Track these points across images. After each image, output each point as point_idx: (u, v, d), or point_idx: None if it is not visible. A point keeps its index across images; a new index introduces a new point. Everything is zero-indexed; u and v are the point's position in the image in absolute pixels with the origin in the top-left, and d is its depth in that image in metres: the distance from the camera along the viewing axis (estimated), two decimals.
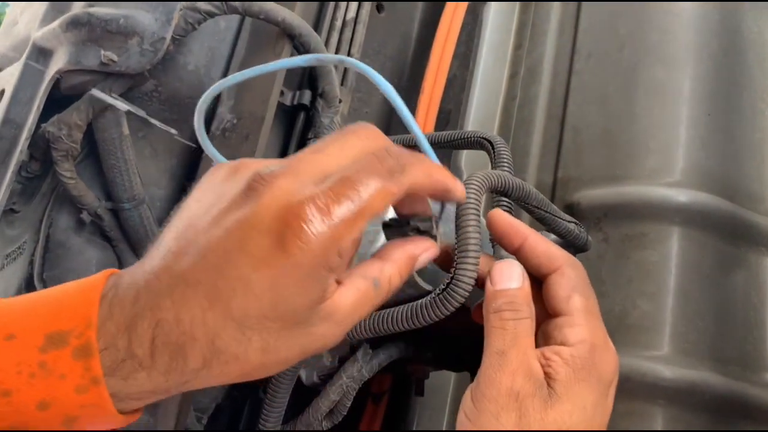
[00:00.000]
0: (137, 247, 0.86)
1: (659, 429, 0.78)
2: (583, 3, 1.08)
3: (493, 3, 1.14)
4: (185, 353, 0.39)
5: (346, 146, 0.44)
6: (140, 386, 0.40)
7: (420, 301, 0.57)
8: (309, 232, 0.38)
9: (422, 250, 0.50)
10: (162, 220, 0.87)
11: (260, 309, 0.39)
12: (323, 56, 0.47)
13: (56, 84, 0.79)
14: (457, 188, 0.51)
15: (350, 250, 0.42)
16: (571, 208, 0.91)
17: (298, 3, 0.84)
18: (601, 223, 0.89)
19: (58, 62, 0.77)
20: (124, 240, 0.86)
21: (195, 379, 0.40)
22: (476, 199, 0.58)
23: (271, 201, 0.38)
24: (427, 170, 0.46)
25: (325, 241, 0.38)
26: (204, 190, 0.43)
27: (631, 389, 0.80)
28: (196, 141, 0.88)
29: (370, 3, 1.01)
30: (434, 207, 0.55)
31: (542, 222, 0.69)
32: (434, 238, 0.53)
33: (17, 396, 0.39)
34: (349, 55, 0.96)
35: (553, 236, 0.73)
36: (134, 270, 0.41)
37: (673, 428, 0.78)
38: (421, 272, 0.60)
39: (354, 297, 0.43)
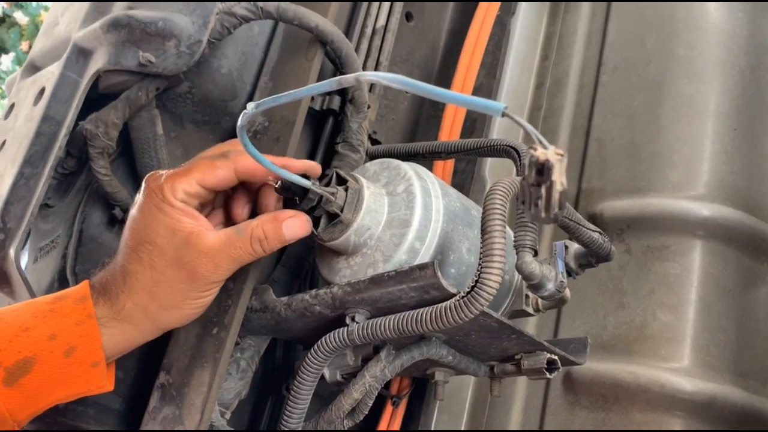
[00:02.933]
0: None
1: None
2: (611, 17, 1.09)
3: (520, 15, 1.16)
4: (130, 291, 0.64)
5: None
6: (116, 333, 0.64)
7: (444, 303, 0.59)
8: (152, 185, 0.63)
9: (287, 216, 0.65)
10: None
11: (140, 234, 0.64)
12: (343, 78, 0.51)
13: (94, 83, 0.81)
14: (295, 167, 0.67)
15: (182, 195, 0.63)
16: (593, 219, 0.92)
17: (331, 9, 0.86)
18: (624, 235, 0.90)
19: (98, 62, 0.80)
20: None
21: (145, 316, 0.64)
22: (502, 205, 0.59)
23: (150, 177, 0.66)
24: (246, 161, 0.65)
25: (159, 188, 0.63)
26: None
27: (649, 400, 0.81)
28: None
29: (399, 12, 1.02)
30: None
31: (566, 230, 0.70)
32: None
33: (34, 330, 0.60)
34: (378, 62, 0.98)
35: (576, 245, 0.74)
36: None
37: None
38: (446, 276, 0.61)
39: (218, 237, 0.63)
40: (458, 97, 0.43)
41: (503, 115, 0.40)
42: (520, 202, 0.40)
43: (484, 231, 0.58)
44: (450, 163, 1.00)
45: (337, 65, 0.86)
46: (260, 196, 0.70)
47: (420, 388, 0.93)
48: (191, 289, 0.64)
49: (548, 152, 0.37)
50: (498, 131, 1.04)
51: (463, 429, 0.97)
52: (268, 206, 0.68)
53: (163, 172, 0.65)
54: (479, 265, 0.57)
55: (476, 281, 0.56)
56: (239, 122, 0.56)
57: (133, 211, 0.65)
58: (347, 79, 0.49)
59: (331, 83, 0.51)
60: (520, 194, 0.39)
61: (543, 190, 0.37)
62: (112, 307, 0.63)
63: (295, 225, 0.65)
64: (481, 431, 0.94)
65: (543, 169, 0.37)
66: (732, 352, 0.82)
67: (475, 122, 1.03)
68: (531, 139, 0.38)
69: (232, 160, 0.65)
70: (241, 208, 0.70)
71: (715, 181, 0.88)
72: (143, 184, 0.66)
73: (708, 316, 0.83)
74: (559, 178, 0.36)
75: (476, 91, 1.05)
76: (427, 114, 1.10)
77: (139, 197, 0.65)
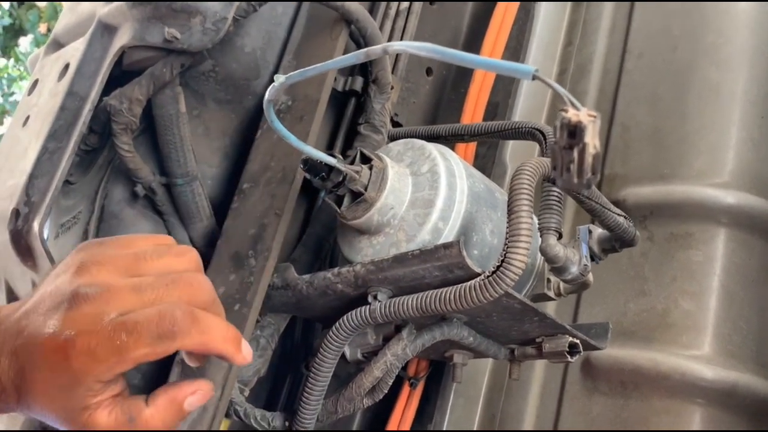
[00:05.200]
0: (187, 223, 0.88)
1: (696, 428, 0.78)
2: (637, 3, 1.08)
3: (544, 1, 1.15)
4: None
5: (156, 284, 0.54)
6: None
7: (469, 282, 0.58)
8: (74, 361, 0.50)
9: (187, 395, 0.57)
10: (212, 198, 0.89)
11: (35, 387, 0.52)
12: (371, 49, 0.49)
13: (118, 59, 0.81)
14: (236, 357, 0.56)
15: (109, 378, 0.52)
16: (616, 206, 0.90)
17: None
18: (647, 221, 0.89)
19: (123, 38, 0.80)
20: (175, 214, 0.88)
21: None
22: (529, 185, 0.58)
23: (69, 322, 0.51)
24: (200, 341, 0.53)
25: (84, 371, 0.50)
26: (55, 275, 0.55)
27: (669, 387, 0.80)
28: (249, 121, 0.90)
29: None
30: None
31: (592, 213, 0.70)
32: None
33: None
34: None
35: (600, 230, 0.73)
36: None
37: (711, 428, 0.78)
38: (470, 254, 0.61)
39: (108, 422, 0.53)
40: (486, 61, 0.42)
41: (534, 78, 0.39)
42: (551, 168, 0.39)
43: (510, 210, 0.57)
44: (471, 147, 1.00)
45: (361, 45, 0.86)
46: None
47: (437, 372, 0.93)
48: None
49: (580, 113, 0.36)
50: (520, 115, 1.03)
51: (478, 414, 0.96)
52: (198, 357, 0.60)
53: (94, 328, 0.51)
54: (505, 244, 0.56)
55: (502, 261, 0.56)
56: (267, 96, 0.56)
57: (37, 357, 0.52)
58: (375, 51, 0.48)
59: (358, 55, 0.50)
60: (552, 159, 0.38)
61: (575, 154, 0.36)
62: None
63: (197, 401, 0.57)
64: (493, 431, 0.94)
65: (575, 131, 0.36)
66: (754, 341, 0.82)
67: (497, 106, 1.03)
68: (563, 101, 0.37)
69: (177, 344, 0.52)
70: (193, 360, 0.61)
71: (741, 169, 0.87)
72: (65, 313, 0.52)
73: (730, 305, 0.82)
74: (592, 141, 0.35)
75: (499, 76, 1.05)
76: (449, 98, 1.10)
77: (53, 327, 0.51)
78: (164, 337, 0.51)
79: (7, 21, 4.89)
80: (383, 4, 0.96)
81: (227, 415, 0.73)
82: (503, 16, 1.02)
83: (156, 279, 0.54)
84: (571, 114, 0.36)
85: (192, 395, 0.57)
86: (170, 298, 0.53)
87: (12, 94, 4.99)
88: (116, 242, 0.57)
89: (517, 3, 1.08)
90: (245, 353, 0.56)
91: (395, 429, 0.90)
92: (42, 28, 4.67)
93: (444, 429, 0.92)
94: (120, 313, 0.51)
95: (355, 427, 0.97)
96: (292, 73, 0.53)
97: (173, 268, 0.56)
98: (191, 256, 0.58)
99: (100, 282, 0.53)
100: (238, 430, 0.89)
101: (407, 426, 0.90)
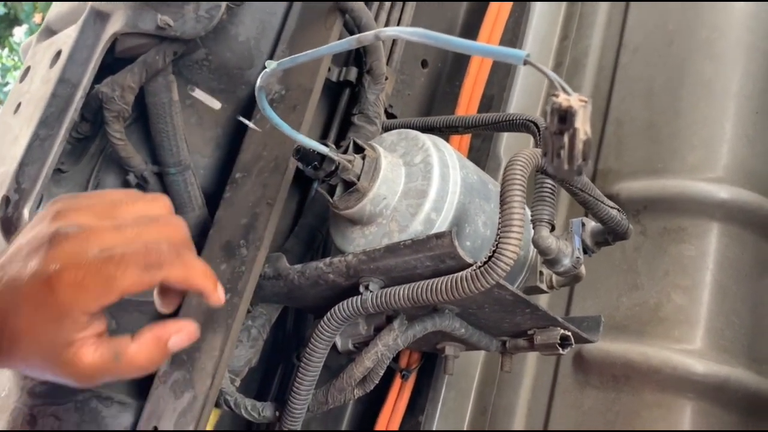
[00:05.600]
0: (179, 212, 0.87)
1: (687, 422, 0.78)
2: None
3: None
4: None
5: (134, 223, 0.55)
6: None
7: (460, 273, 0.58)
8: (62, 293, 0.50)
9: (172, 333, 0.57)
10: (205, 188, 0.89)
11: (20, 330, 0.51)
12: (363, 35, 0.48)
13: (111, 47, 0.80)
14: (213, 295, 0.58)
15: (96, 309, 0.52)
16: (610, 200, 0.91)
17: None
18: (640, 216, 0.89)
19: (115, 25, 0.79)
20: None
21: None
22: (522, 176, 0.58)
23: (52, 258, 0.51)
24: (184, 274, 0.55)
25: (72, 301, 0.50)
26: (31, 227, 0.55)
27: (660, 381, 0.80)
28: (242, 111, 0.90)
29: None
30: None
31: (585, 206, 0.69)
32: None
33: None
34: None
35: (593, 223, 0.73)
36: None
37: (702, 422, 0.78)
38: (462, 245, 0.61)
39: (94, 359, 0.53)
40: (478, 46, 0.42)
41: (525, 63, 0.39)
42: (542, 155, 0.39)
43: (503, 201, 0.57)
44: (466, 140, 1.00)
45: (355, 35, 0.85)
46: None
47: (429, 364, 0.92)
48: (55, 378, 0.55)
49: (571, 98, 0.35)
50: (515, 108, 1.03)
51: (470, 406, 0.96)
52: (173, 298, 0.60)
53: (80, 261, 0.51)
54: (497, 235, 0.56)
55: (493, 251, 0.56)
56: (258, 82, 0.55)
57: (20, 299, 0.51)
58: (367, 37, 0.48)
59: (350, 41, 0.50)
60: (542, 145, 0.37)
61: (566, 139, 0.35)
62: None
63: (181, 340, 0.57)
64: (485, 431, 0.94)
65: (566, 116, 0.35)
66: (746, 336, 0.82)
67: (492, 99, 1.02)
68: (554, 87, 0.37)
69: (164, 273, 0.54)
70: (174, 295, 0.60)
71: (734, 164, 0.87)
72: (46, 252, 0.52)
73: (723, 299, 0.82)
74: (583, 126, 0.35)
75: (494, 68, 1.04)
76: (444, 90, 1.09)
77: (34, 267, 0.51)
78: (151, 267, 0.53)
79: (1, 10, 4.86)
80: None
81: (217, 405, 0.73)
82: (498, 10, 1.02)
83: (134, 220, 0.55)
84: (562, 99, 0.35)
85: (177, 333, 0.57)
86: (150, 236, 0.55)
87: (6, 84, 4.96)
88: (89, 194, 0.59)
89: (510, 3, 1.08)
90: (220, 294, 0.58)
91: (387, 420, 0.90)
92: (37, 18, 4.65)
93: (435, 420, 0.92)
94: (103, 249, 0.52)
95: (346, 418, 0.96)
96: (283, 59, 0.53)
97: (148, 212, 0.57)
98: (164, 202, 0.59)
99: (79, 223, 0.53)
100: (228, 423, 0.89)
101: (399, 417, 0.90)
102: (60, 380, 0.54)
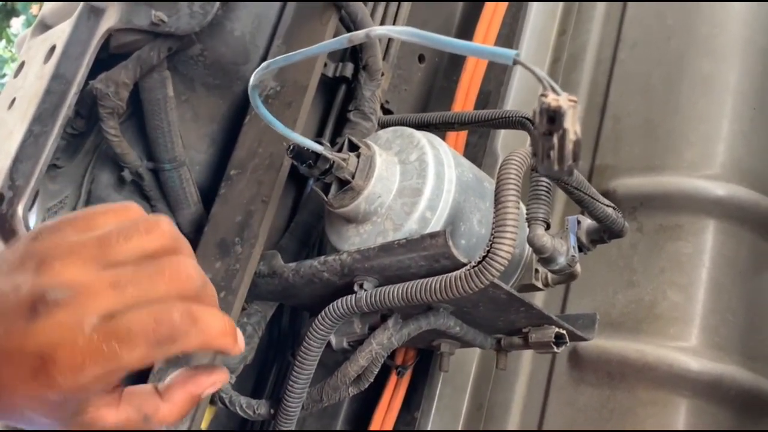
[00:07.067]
0: (174, 208, 0.87)
1: (681, 419, 0.78)
2: None
3: None
4: None
5: (135, 279, 0.46)
6: None
7: (454, 273, 0.58)
8: (61, 381, 0.43)
9: (206, 387, 0.51)
10: (200, 184, 0.88)
11: (22, 404, 0.44)
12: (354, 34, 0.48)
13: (105, 43, 0.80)
14: (234, 349, 0.50)
15: (103, 388, 0.45)
16: (606, 196, 0.90)
17: None
18: (636, 212, 0.89)
19: (109, 20, 0.78)
20: (163, 200, 0.87)
21: None
22: (516, 176, 0.58)
23: (41, 334, 0.43)
24: (201, 341, 0.46)
25: (73, 388, 0.43)
26: (7, 272, 0.46)
27: (655, 378, 0.80)
28: (238, 107, 0.89)
29: None
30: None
31: (580, 204, 0.69)
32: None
33: None
34: None
35: (589, 221, 0.73)
36: None
37: (696, 420, 0.78)
38: (456, 247, 0.61)
39: (119, 419, 0.47)
40: (468, 45, 0.41)
41: (514, 62, 0.38)
42: (531, 156, 0.38)
43: (497, 201, 0.57)
44: (462, 136, 0.99)
45: (351, 30, 0.85)
46: None
47: (424, 361, 0.92)
48: None
49: (560, 98, 0.35)
50: (512, 104, 1.02)
51: (465, 403, 0.96)
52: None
53: (76, 341, 0.43)
54: (491, 234, 0.56)
55: (488, 251, 0.56)
56: (251, 81, 0.55)
57: (7, 380, 0.44)
58: (358, 35, 0.48)
59: (341, 40, 0.49)
60: (532, 146, 0.37)
61: (555, 140, 0.35)
62: None
63: (215, 386, 0.52)
64: (479, 431, 0.94)
65: (555, 117, 0.35)
66: (741, 334, 0.82)
67: (489, 95, 1.02)
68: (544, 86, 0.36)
69: (177, 348, 0.46)
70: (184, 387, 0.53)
71: (732, 161, 0.87)
72: (32, 326, 0.44)
73: (718, 297, 0.82)
74: (573, 127, 0.34)
75: (491, 64, 1.04)
76: (441, 85, 1.09)
77: (20, 344, 0.44)
78: (162, 343, 0.45)
79: None
80: None
81: (212, 402, 0.73)
82: (496, 5, 1.01)
83: (135, 270, 0.46)
84: (551, 99, 0.35)
85: (210, 387, 0.51)
86: (156, 293, 0.46)
87: (4, 75, 4.95)
88: (74, 224, 0.48)
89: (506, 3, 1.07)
90: (240, 343, 0.50)
91: (383, 417, 0.90)
92: (34, 9, 4.62)
93: (431, 417, 0.92)
94: (102, 317, 0.44)
95: (342, 414, 0.97)
96: (275, 58, 0.53)
97: (147, 250, 0.47)
98: (162, 231, 0.48)
99: (69, 281, 0.45)
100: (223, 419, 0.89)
101: (394, 414, 0.90)
102: None
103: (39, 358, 0.43)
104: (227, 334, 0.49)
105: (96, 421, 0.46)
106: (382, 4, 0.95)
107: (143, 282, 0.46)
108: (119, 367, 0.43)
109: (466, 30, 1.10)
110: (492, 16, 1.01)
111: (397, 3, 0.97)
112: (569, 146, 0.35)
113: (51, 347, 0.43)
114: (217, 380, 0.52)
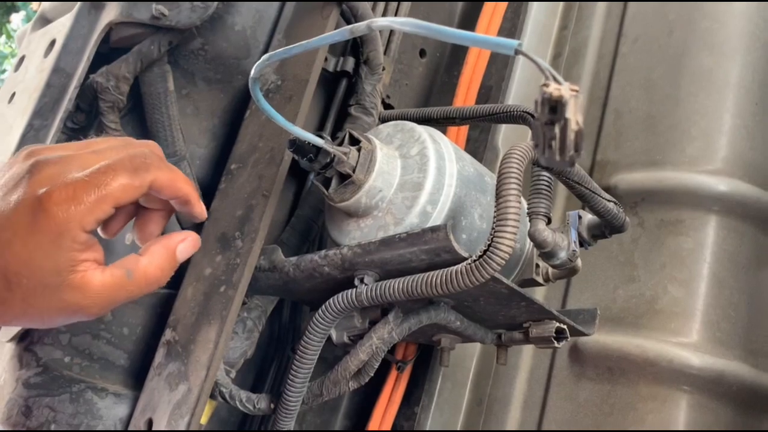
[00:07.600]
0: None
1: (682, 415, 0.78)
2: None
3: None
4: None
5: (111, 147, 0.55)
6: None
7: (455, 267, 0.58)
8: (56, 211, 0.49)
9: (178, 242, 0.59)
10: (201, 179, 0.88)
11: (17, 265, 0.49)
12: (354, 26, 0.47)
13: (105, 37, 0.80)
14: (197, 204, 0.60)
15: (92, 223, 0.51)
16: (607, 191, 0.90)
17: None
18: (638, 208, 0.89)
19: (110, 14, 0.78)
20: None
21: None
22: (518, 169, 0.58)
23: (37, 183, 0.50)
24: (171, 177, 0.56)
25: (68, 218, 0.49)
26: (3, 171, 0.54)
27: (656, 374, 0.80)
28: (238, 101, 0.89)
29: None
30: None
31: (581, 199, 0.69)
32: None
33: None
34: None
35: (590, 216, 0.73)
36: None
37: (697, 415, 0.78)
38: (457, 241, 0.60)
39: (105, 279, 0.53)
40: (470, 36, 0.41)
41: (516, 52, 0.38)
42: (533, 146, 0.38)
43: (498, 195, 0.57)
44: (463, 131, 0.99)
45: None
46: (145, 218, 0.62)
47: (425, 356, 0.92)
48: (67, 321, 0.54)
49: (562, 88, 0.35)
50: (514, 99, 1.02)
51: (465, 398, 0.96)
52: (153, 229, 0.62)
53: (67, 179, 0.51)
54: (492, 228, 0.56)
55: (489, 245, 0.56)
56: (252, 74, 0.55)
57: (9, 233, 0.49)
58: (359, 28, 0.47)
59: (342, 32, 0.49)
60: (533, 136, 0.37)
61: (557, 130, 0.35)
62: None
63: (187, 248, 0.60)
64: (478, 431, 0.94)
65: (557, 106, 0.35)
66: (743, 329, 0.82)
67: (490, 89, 1.02)
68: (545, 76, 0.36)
69: (152, 175, 0.55)
70: (155, 226, 0.62)
71: (733, 156, 0.87)
72: (29, 181, 0.50)
73: (720, 292, 0.82)
74: (574, 116, 0.34)
75: (492, 59, 1.03)
76: (442, 80, 1.09)
77: (20, 196, 0.50)
78: (139, 170, 0.53)
79: None
80: None
81: (212, 397, 0.73)
82: (495, 5, 1.01)
83: (109, 146, 0.55)
84: (553, 88, 0.35)
85: (183, 242, 0.59)
86: (130, 150, 0.55)
87: (4, 71, 4.94)
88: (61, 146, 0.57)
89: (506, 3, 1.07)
90: (203, 206, 0.61)
91: (383, 412, 0.90)
92: (34, 5, 4.62)
93: (431, 412, 0.92)
94: (86, 169, 0.52)
95: (342, 409, 0.97)
96: (276, 51, 0.52)
97: (120, 141, 0.57)
98: (130, 139, 0.59)
99: (57, 153, 0.53)
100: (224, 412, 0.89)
101: (395, 409, 0.90)
102: (70, 317, 0.52)
103: (35, 200, 0.49)
104: (190, 184, 0.59)
105: (85, 282, 0.52)
106: (382, 4, 0.94)
107: (118, 148, 0.55)
108: (107, 193, 0.51)
109: (466, 29, 1.10)
110: (492, 15, 1.01)
111: (396, 3, 0.96)
112: (571, 136, 0.34)
113: (45, 190, 0.49)
114: (188, 235, 0.60)
